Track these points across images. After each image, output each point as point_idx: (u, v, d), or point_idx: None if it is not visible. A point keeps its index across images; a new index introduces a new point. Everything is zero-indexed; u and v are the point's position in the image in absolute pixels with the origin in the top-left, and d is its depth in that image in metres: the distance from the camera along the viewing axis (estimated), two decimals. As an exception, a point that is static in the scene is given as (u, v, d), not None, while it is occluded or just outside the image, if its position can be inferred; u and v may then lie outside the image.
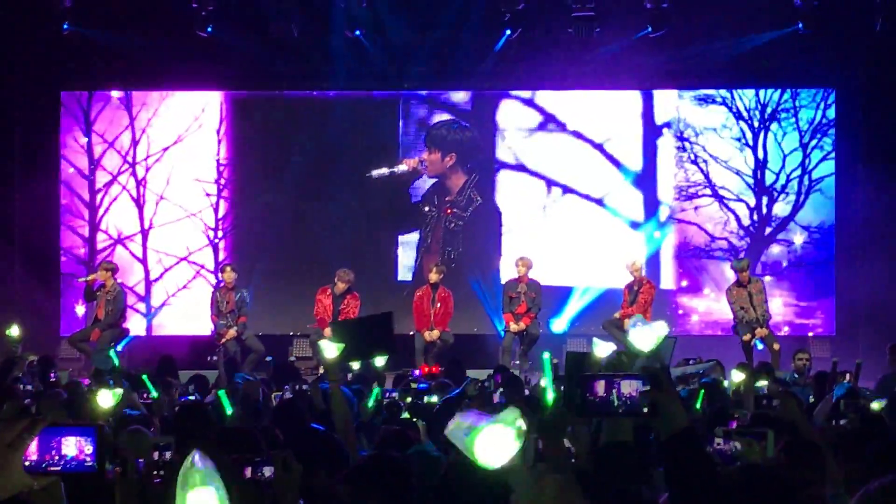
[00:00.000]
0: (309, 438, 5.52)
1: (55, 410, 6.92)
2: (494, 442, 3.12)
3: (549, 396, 2.86)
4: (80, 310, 16.98)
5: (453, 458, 4.08)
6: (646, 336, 5.76)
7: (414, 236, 17.59)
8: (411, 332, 15.50)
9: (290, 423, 6.46)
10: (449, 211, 17.45)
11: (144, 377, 8.13)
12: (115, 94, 17.50)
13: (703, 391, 7.73)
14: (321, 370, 14.99)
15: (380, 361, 6.35)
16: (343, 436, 5.98)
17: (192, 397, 9.20)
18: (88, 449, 3.24)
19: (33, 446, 3.15)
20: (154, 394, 6.86)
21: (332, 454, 5.24)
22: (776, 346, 14.84)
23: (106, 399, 6.67)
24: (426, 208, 17.55)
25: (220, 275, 16.09)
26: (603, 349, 7.41)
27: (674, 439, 3.22)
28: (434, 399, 8.58)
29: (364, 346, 7.17)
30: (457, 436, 3.18)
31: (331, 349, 6.32)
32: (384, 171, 17.45)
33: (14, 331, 13.70)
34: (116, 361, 10.35)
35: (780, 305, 16.82)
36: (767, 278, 16.67)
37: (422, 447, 5.55)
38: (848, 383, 9.96)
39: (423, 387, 9.37)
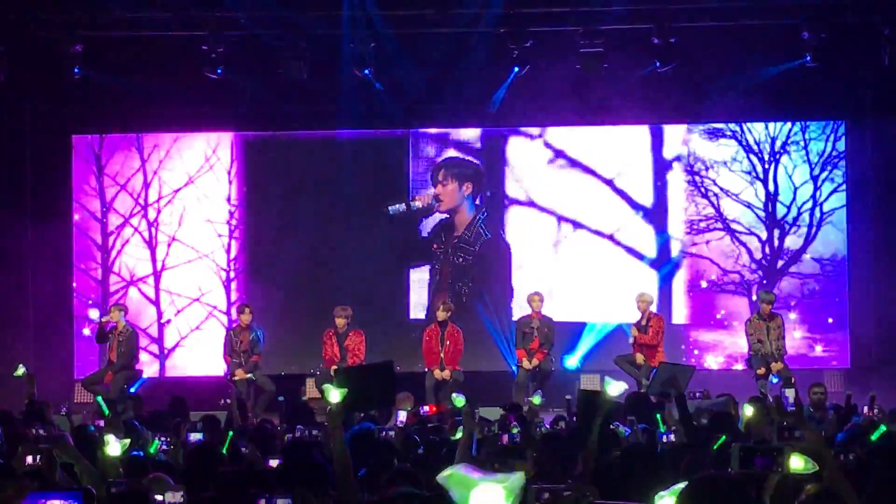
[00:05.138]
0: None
1: (68, 452, 6.90)
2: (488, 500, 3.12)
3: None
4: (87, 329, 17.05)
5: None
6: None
7: (425, 274, 17.58)
8: (423, 370, 15.50)
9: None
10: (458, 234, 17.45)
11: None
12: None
13: (723, 437, 7.67)
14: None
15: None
16: (340, 479, 5.98)
17: (199, 435, 9.17)
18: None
19: None
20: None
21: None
22: (791, 380, 14.78)
23: (115, 449, 6.67)
24: (434, 245, 17.55)
25: (238, 315, 16.06)
26: (615, 388, 7.41)
27: None
28: (458, 436, 8.53)
29: (365, 396, 7.11)
30: (452, 486, 3.17)
31: (335, 394, 6.28)
32: (401, 206, 17.47)
33: (20, 370, 13.58)
34: (106, 410, 10.29)
35: (792, 339, 16.73)
36: (792, 315, 16.67)
37: (414, 489, 5.53)
38: (858, 417, 9.90)
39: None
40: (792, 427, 7.67)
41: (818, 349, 17.11)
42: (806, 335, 17.13)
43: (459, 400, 9.20)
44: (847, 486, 4.98)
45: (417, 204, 17.54)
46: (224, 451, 7.36)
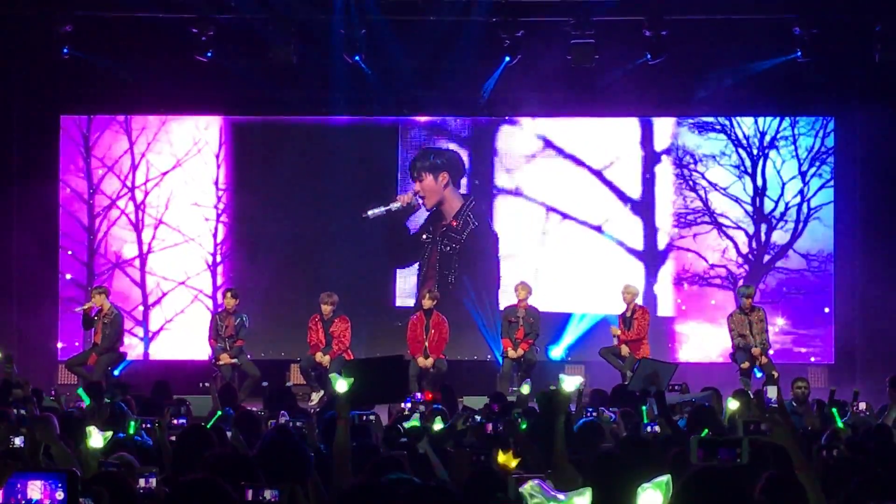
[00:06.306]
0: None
1: (46, 434, 6.86)
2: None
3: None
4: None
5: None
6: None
7: (413, 266, 17.57)
8: (408, 358, 15.49)
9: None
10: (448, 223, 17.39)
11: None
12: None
13: (706, 431, 7.68)
14: (313, 397, 15.07)
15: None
16: (339, 467, 6.04)
17: (182, 420, 9.14)
18: (59, 495, 3.22)
19: None
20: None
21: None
22: (775, 374, 14.82)
23: (97, 441, 6.62)
24: (423, 236, 17.53)
25: (223, 299, 16.02)
26: (570, 383, 7.43)
27: None
28: (438, 426, 8.54)
29: (374, 390, 7.13)
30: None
31: (342, 384, 6.34)
32: (380, 209, 17.42)
33: None
34: (87, 399, 10.30)
35: (777, 333, 16.77)
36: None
37: (402, 475, 5.55)
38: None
39: None
40: (757, 422, 7.71)
41: (802, 345, 17.14)
42: (790, 330, 17.16)
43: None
44: (814, 479, 4.98)
45: (397, 205, 17.48)
46: (209, 427, 7.37)
